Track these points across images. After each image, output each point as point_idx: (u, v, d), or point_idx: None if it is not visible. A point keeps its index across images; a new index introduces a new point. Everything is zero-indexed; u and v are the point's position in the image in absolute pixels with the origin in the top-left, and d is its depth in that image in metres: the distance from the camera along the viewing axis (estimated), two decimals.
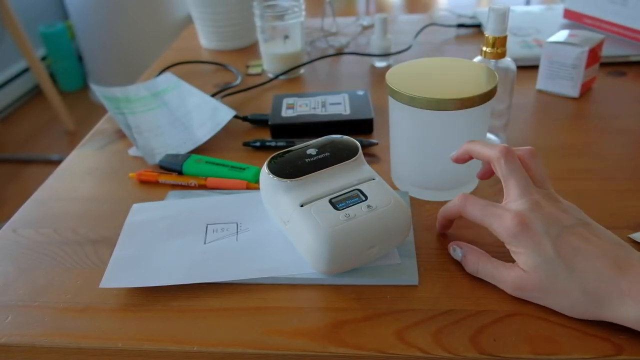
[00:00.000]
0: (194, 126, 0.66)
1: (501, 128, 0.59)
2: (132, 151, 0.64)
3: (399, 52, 0.85)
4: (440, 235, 0.48)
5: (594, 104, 0.69)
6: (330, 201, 0.42)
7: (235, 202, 0.52)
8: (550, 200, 0.40)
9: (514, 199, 0.40)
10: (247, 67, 0.89)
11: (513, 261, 0.40)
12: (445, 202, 0.52)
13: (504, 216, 0.39)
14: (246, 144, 0.63)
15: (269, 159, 0.46)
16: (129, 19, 2.21)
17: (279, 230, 0.47)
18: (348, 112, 0.65)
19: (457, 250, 0.44)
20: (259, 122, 0.68)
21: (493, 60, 0.56)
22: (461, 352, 0.36)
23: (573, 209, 0.41)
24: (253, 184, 0.56)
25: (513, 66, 0.56)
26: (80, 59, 2.68)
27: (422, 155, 0.50)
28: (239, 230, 0.48)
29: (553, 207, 0.39)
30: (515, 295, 0.40)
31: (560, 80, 0.70)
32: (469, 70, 0.51)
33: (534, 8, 1.02)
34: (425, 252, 0.45)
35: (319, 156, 0.45)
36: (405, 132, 0.51)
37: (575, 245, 0.37)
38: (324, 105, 0.67)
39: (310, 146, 0.47)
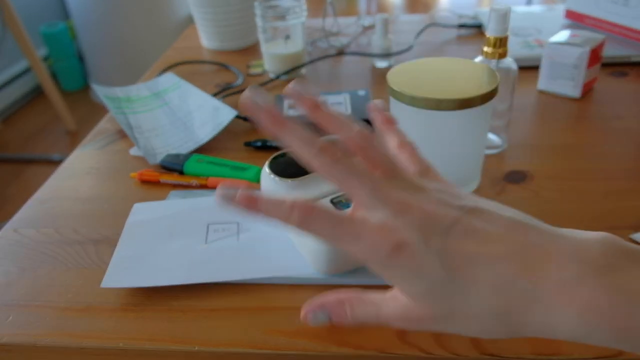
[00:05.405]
0: (195, 126, 0.67)
1: (502, 128, 0.59)
2: (134, 151, 0.65)
3: (400, 52, 0.85)
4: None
5: (595, 105, 0.69)
6: (331, 201, 0.42)
7: None
8: (412, 191, 0.30)
9: (364, 204, 0.29)
10: (248, 67, 0.89)
11: None
12: None
13: (364, 235, 0.28)
14: (247, 144, 0.64)
15: (270, 159, 0.46)
16: (130, 19, 2.21)
17: (280, 230, 0.47)
18: (349, 112, 0.65)
19: (318, 315, 0.33)
20: None
21: (494, 61, 0.56)
22: (462, 352, 0.36)
23: (444, 190, 0.30)
24: (254, 184, 0.56)
25: (514, 66, 0.56)
26: (81, 58, 2.68)
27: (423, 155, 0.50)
28: (240, 230, 0.48)
29: (422, 200, 0.29)
30: (410, 330, 0.34)
31: (562, 80, 0.70)
32: (470, 71, 0.51)
33: (535, 8, 1.02)
34: None
35: None
36: (406, 132, 0.50)
37: (468, 251, 0.27)
38: None
39: None
